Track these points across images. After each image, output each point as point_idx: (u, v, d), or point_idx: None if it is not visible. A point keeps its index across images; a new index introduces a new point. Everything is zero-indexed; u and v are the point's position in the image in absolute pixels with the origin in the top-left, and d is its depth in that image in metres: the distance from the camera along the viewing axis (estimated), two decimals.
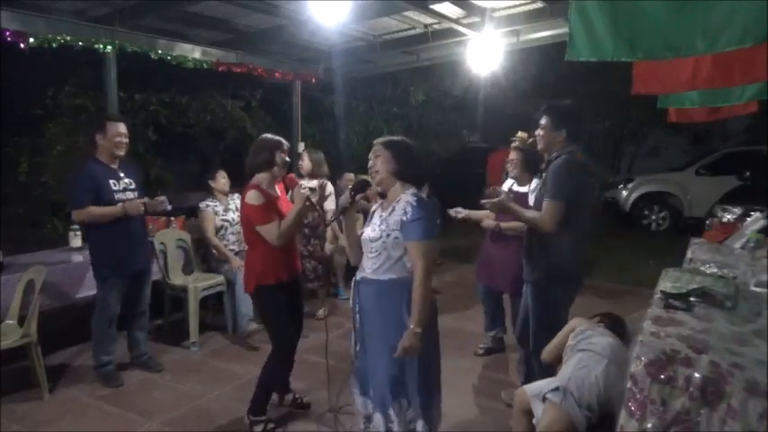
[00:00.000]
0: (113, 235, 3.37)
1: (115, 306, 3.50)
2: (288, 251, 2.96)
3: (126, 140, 3.48)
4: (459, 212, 3.55)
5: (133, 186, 3.54)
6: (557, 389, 2.23)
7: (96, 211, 3.31)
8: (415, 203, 2.21)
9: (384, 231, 2.24)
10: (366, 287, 2.34)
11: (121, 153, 3.47)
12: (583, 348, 2.38)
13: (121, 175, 3.48)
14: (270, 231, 2.76)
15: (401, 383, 2.28)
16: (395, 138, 2.44)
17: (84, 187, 3.30)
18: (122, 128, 3.45)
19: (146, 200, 3.53)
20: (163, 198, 3.60)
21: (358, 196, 2.50)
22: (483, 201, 2.91)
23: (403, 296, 2.23)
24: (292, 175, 3.00)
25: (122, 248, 3.43)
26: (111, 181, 3.41)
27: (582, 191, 2.69)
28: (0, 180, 5.66)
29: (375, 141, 2.43)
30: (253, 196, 2.78)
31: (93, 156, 3.42)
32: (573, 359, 2.37)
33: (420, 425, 2.30)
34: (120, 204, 3.36)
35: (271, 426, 3.00)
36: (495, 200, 2.80)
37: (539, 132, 2.84)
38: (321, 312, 4.62)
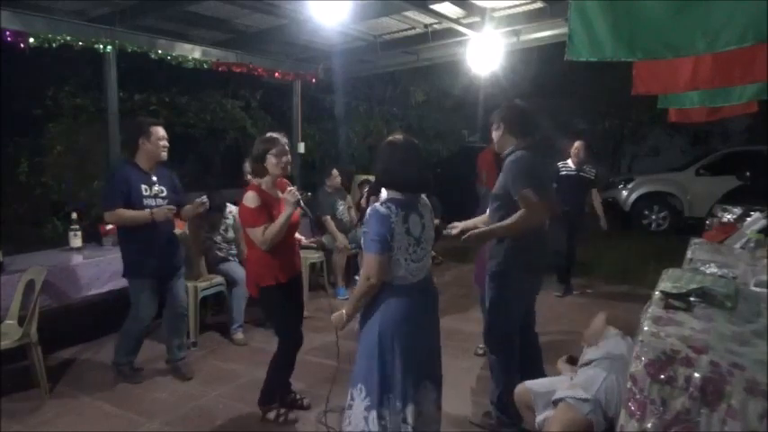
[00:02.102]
0: (144, 236, 3.37)
1: (150, 309, 3.49)
2: (285, 252, 2.96)
3: (167, 144, 3.50)
4: (455, 227, 3.28)
5: (164, 194, 3.51)
6: (586, 400, 2.17)
7: (125, 214, 3.31)
8: (368, 214, 2.24)
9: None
10: None
11: (165, 156, 3.49)
12: (607, 356, 2.32)
13: (154, 179, 3.47)
14: (255, 235, 2.79)
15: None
16: (390, 142, 2.35)
17: (117, 189, 3.32)
18: (163, 131, 3.49)
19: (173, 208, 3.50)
20: (203, 199, 3.52)
21: (372, 199, 2.52)
22: (463, 238, 2.94)
23: (372, 300, 2.28)
24: (284, 180, 2.99)
25: (154, 249, 3.42)
26: (143, 186, 3.41)
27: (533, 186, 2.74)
28: (0, 180, 5.65)
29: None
30: (249, 197, 2.81)
31: (132, 159, 3.44)
32: (600, 367, 2.29)
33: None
34: (147, 210, 3.35)
35: (283, 411, 3.05)
36: (468, 236, 2.86)
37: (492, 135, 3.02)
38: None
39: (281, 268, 2.92)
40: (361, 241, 2.30)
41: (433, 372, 2.41)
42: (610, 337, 2.42)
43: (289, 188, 2.88)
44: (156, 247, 3.44)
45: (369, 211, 2.26)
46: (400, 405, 2.25)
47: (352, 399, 2.34)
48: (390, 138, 2.38)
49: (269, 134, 2.95)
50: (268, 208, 2.84)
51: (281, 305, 2.97)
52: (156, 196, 3.46)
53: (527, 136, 2.88)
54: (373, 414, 2.25)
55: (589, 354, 2.44)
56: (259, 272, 2.89)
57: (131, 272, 3.46)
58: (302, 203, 2.85)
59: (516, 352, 2.96)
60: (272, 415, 3.07)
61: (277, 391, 3.10)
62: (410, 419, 2.27)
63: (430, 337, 2.41)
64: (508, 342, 2.94)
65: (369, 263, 2.21)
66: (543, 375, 2.99)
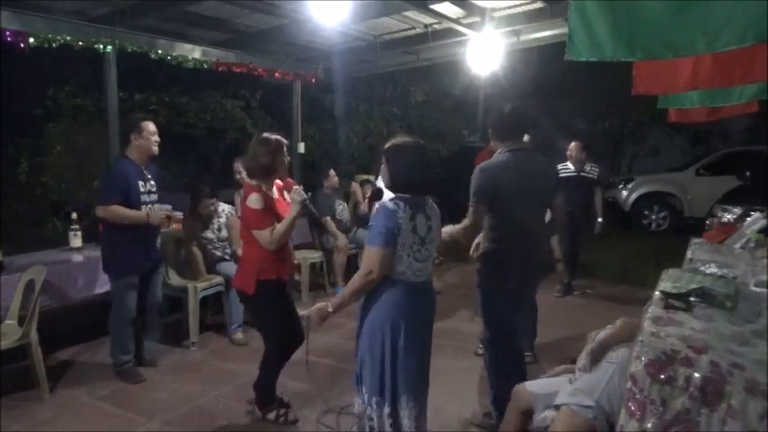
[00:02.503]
0: (129, 233, 3.39)
1: (132, 304, 3.51)
2: (286, 250, 3.00)
3: (158, 138, 3.53)
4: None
5: (155, 189, 3.56)
6: (590, 407, 2.17)
7: (121, 211, 3.32)
8: (376, 209, 2.27)
9: None
10: None
11: (156, 150, 3.51)
12: (613, 361, 2.31)
13: (148, 176, 3.52)
14: (263, 237, 2.81)
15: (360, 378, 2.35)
16: (397, 145, 2.37)
17: (116, 185, 3.34)
18: (154, 126, 3.52)
19: (169, 209, 3.62)
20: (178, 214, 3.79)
21: (375, 203, 2.56)
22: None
23: (372, 294, 2.29)
24: (290, 180, 3.06)
25: (136, 246, 3.45)
26: (140, 182, 3.44)
27: (497, 189, 2.76)
28: (0, 180, 5.66)
29: (385, 147, 2.41)
30: (254, 199, 2.82)
31: (125, 155, 3.48)
32: (601, 370, 2.26)
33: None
34: (144, 212, 3.39)
35: (282, 411, 3.04)
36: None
37: None
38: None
39: (282, 264, 2.96)
40: (366, 238, 2.31)
41: (426, 375, 2.41)
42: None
43: (295, 187, 2.94)
44: (141, 245, 3.48)
45: (377, 206, 2.27)
46: (395, 404, 2.26)
47: (361, 399, 2.35)
48: (396, 140, 2.39)
49: (273, 137, 2.94)
50: (272, 209, 2.88)
51: (278, 301, 2.98)
52: (149, 192, 3.50)
53: (511, 138, 2.89)
54: (368, 410, 2.27)
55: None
56: (261, 266, 2.89)
57: (117, 269, 3.47)
58: (307, 203, 2.90)
59: (511, 352, 2.96)
60: (272, 416, 3.06)
61: (273, 393, 3.09)
62: (405, 418, 2.28)
63: (425, 340, 2.40)
64: (502, 342, 2.95)
65: (371, 256, 2.20)
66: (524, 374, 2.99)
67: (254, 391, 3.11)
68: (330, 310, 2.31)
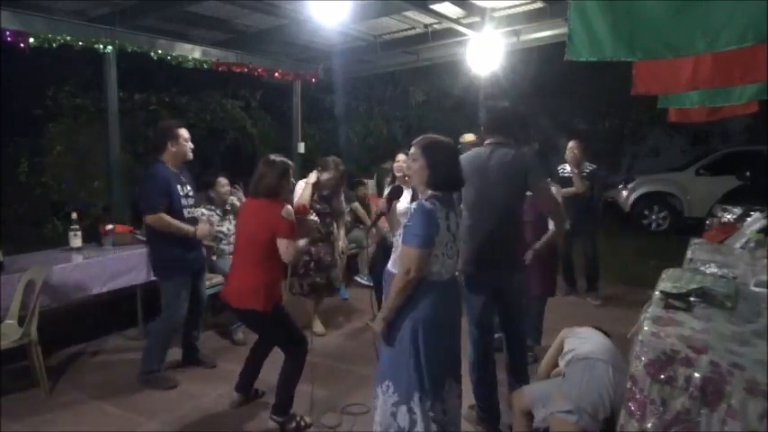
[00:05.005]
0: (174, 234, 3.38)
1: (185, 306, 3.48)
2: None
3: (192, 144, 3.54)
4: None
5: (192, 194, 3.56)
6: (570, 411, 2.18)
7: (170, 221, 3.31)
8: (413, 209, 2.26)
9: (401, 230, 2.32)
10: (388, 279, 2.40)
11: (191, 155, 3.52)
12: (584, 357, 2.32)
13: (183, 180, 3.52)
14: (291, 247, 2.86)
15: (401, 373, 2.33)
16: (435, 141, 2.37)
17: (159, 191, 3.32)
18: (187, 132, 3.52)
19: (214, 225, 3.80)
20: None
21: (394, 202, 2.61)
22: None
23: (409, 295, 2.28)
24: (305, 204, 3.16)
25: (183, 246, 3.43)
26: (178, 186, 3.44)
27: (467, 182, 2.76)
28: (0, 180, 5.66)
29: (414, 143, 2.39)
30: (288, 211, 2.88)
31: (160, 160, 3.44)
32: (576, 369, 2.28)
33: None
34: (192, 227, 3.41)
35: (298, 418, 3.00)
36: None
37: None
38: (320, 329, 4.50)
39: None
40: (398, 235, 2.31)
41: (458, 371, 2.44)
42: (572, 337, 2.46)
43: (310, 216, 3.19)
44: (188, 244, 3.47)
45: (414, 206, 2.27)
46: (430, 401, 2.27)
47: (377, 397, 2.36)
48: (431, 137, 2.39)
49: (279, 159, 2.97)
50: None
51: (287, 315, 3.05)
52: (187, 196, 3.50)
53: (496, 134, 2.93)
54: (402, 409, 2.26)
55: (567, 346, 2.45)
56: (275, 288, 2.97)
57: (170, 271, 3.44)
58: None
59: (479, 349, 2.94)
60: (292, 425, 2.97)
61: (292, 403, 3.04)
62: (438, 416, 2.29)
63: (456, 336, 2.43)
64: (480, 338, 2.95)
65: (410, 257, 2.19)
66: (526, 376, 3.02)
67: (278, 403, 3.00)
68: (382, 321, 2.30)
